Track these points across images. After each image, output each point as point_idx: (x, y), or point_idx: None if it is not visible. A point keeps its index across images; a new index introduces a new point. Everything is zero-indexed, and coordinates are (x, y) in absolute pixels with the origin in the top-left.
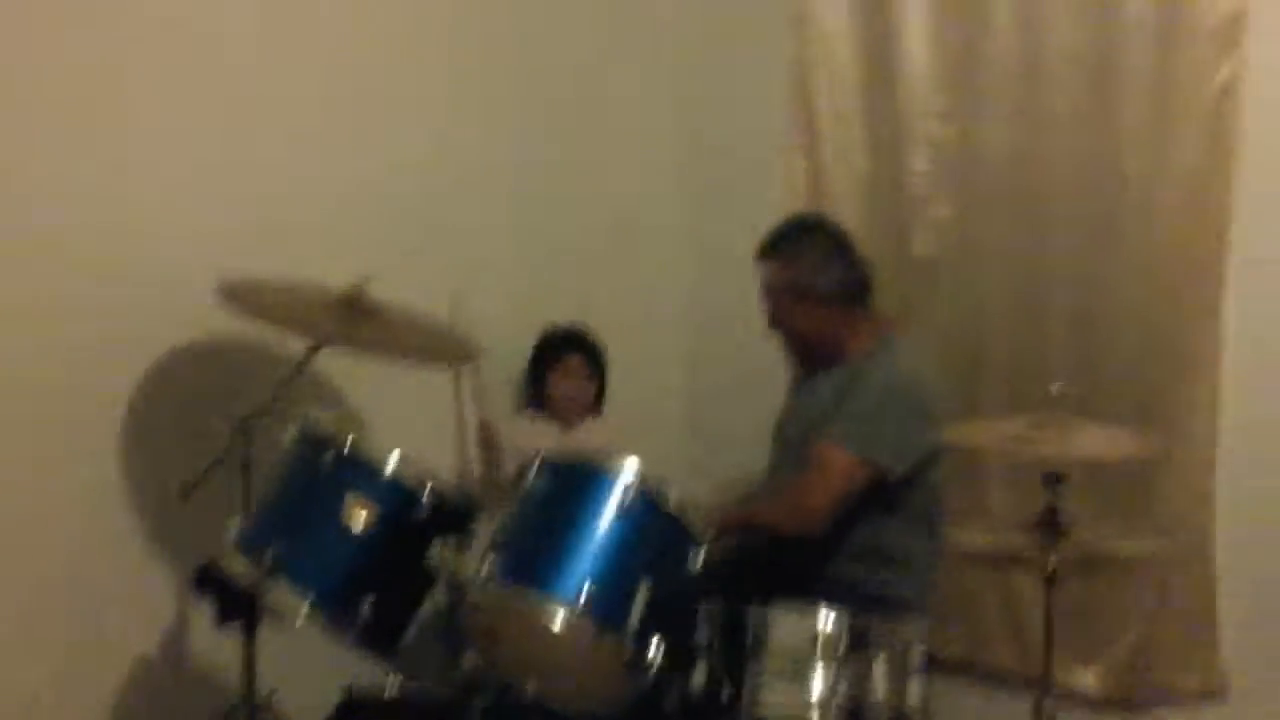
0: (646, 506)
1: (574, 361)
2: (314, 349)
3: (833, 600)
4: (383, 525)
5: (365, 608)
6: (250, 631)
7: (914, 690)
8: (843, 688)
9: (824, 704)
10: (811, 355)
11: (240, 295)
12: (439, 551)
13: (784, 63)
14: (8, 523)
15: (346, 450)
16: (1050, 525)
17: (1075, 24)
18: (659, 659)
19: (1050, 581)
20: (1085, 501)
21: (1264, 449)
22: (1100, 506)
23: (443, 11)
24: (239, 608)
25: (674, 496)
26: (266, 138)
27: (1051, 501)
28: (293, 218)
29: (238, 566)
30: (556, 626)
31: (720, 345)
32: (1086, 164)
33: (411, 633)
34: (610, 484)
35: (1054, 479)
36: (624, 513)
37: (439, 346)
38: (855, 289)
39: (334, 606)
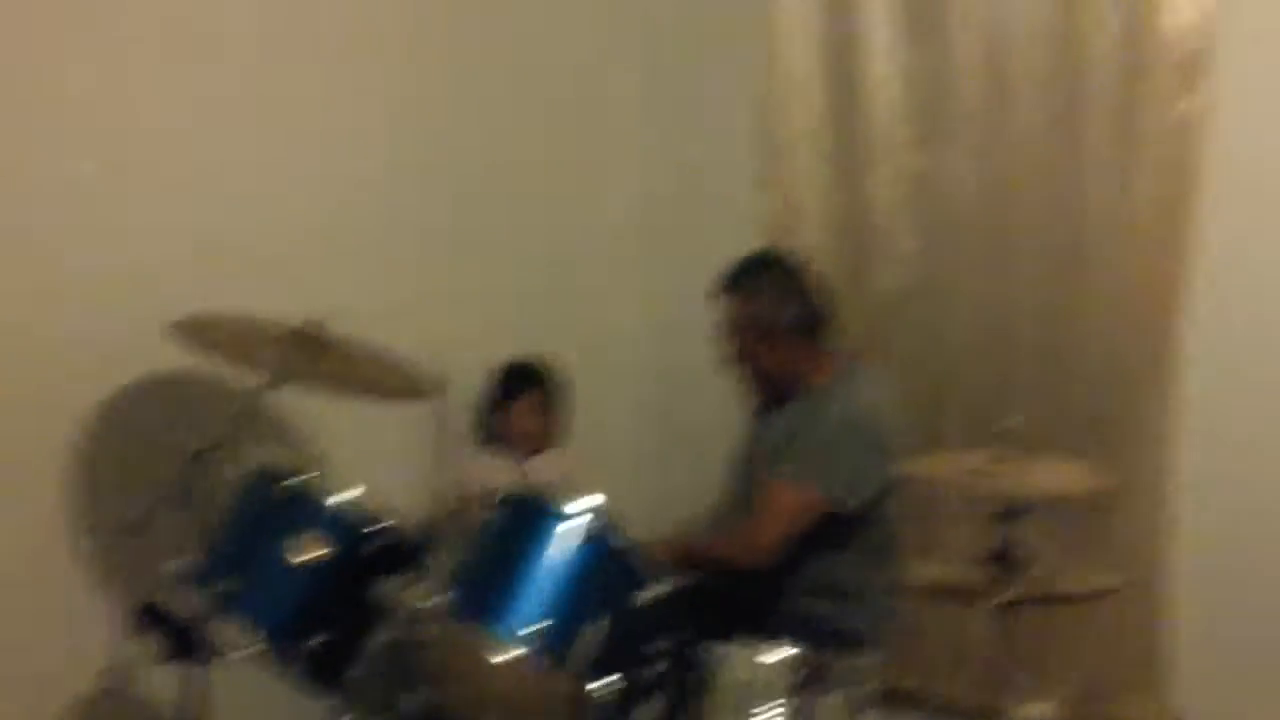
0: (599, 543)
1: (531, 398)
2: (268, 385)
3: (787, 635)
4: (332, 559)
5: (313, 643)
6: (195, 667)
7: None
8: None
9: None
10: (771, 389)
11: (193, 330)
12: (389, 587)
13: (751, 96)
14: None
15: (297, 486)
16: (1006, 560)
17: (1041, 57)
18: (611, 695)
19: (1005, 615)
20: (1042, 536)
21: (1222, 482)
22: (1057, 540)
23: (399, 49)
24: (185, 644)
25: (627, 532)
26: (218, 169)
27: (1008, 536)
28: (246, 249)
29: (184, 602)
30: (506, 663)
31: (681, 378)
32: (1051, 197)
33: (360, 668)
34: (562, 521)
35: (1011, 514)
36: (576, 549)
37: (398, 382)
38: (814, 323)
39: (282, 642)
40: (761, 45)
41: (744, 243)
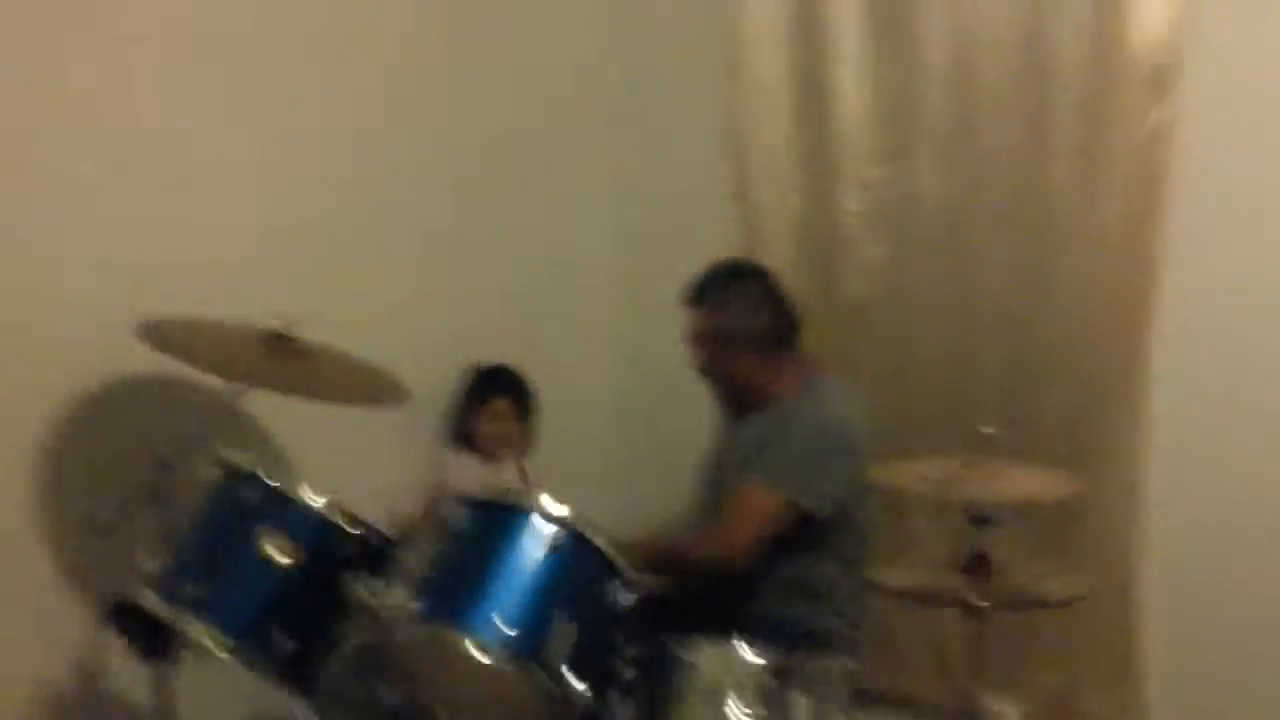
0: (569, 543)
1: (501, 404)
2: (238, 388)
3: (759, 637)
4: (303, 562)
5: (285, 644)
6: (166, 667)
7: None
8: None
9: None
10: (740, 399)
11: (161, 333)
12: (360, 588)
13: (718, 106)
14: None
15: (267, 487)
16: (977, 566)
17: (1008, 68)
18: (581, 696)
19: (977, 618)
20: (1013, 542)
21: (1191, 489)
22: (1028, 547)
23: (378, 50)
24: (156, 643)
25: (598, 533)
26: (190, 171)
27: (979, 543)
28: (218, 252)
29: (156, 602)
30: (477, 664)
31: (651, 386)
32: (1018, 206)
33: (331, 669)
34: (531, 521)
35: (981, 520)
36: (546, 550)
37: (367, 387)
38: (782, 333)
39: (253, 642)
40: (729, 54)
41: (712, 253)
